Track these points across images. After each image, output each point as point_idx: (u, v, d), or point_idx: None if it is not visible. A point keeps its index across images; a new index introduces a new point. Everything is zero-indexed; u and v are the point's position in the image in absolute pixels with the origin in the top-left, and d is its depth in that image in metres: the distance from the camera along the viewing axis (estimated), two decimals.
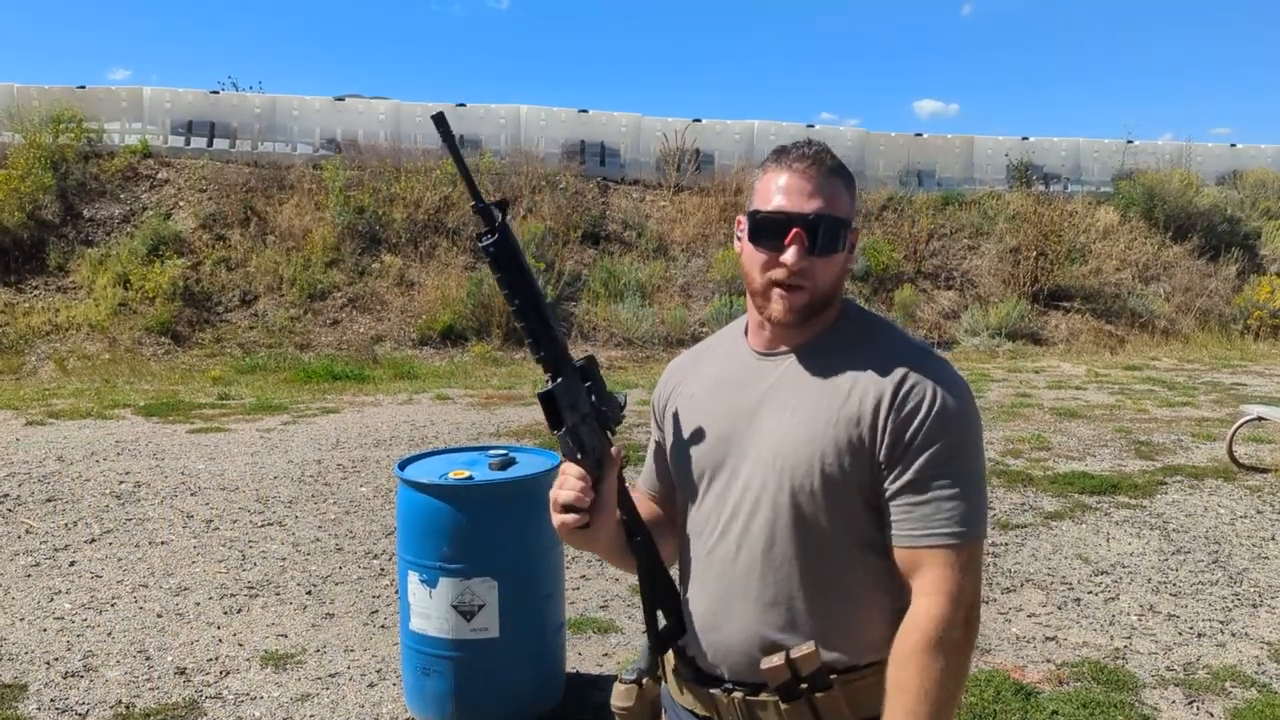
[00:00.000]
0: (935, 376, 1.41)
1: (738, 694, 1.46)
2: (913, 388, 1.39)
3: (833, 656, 1.42)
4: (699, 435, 1.53)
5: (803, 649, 1.40)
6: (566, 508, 1.43)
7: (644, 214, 15.69)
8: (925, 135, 18.43)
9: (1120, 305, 15.47)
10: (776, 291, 1.43)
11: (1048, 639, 4.20)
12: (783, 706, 1.42)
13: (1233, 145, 19.61)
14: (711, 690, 1.50)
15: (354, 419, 8.83)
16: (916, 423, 1.37)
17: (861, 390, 1.41)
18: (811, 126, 17.64)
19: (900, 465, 1.38)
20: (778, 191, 1.42)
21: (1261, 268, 16.82)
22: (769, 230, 1.42)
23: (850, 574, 1.43)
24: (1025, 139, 18.25)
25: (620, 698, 1.59)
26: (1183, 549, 5.38)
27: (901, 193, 16.88)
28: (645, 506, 1.65)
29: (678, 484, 1.59)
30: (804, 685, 1.40)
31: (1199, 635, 4.24)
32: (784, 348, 1.50)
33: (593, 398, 1.45)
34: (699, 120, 16.91)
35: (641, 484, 1.73)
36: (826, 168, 1.43)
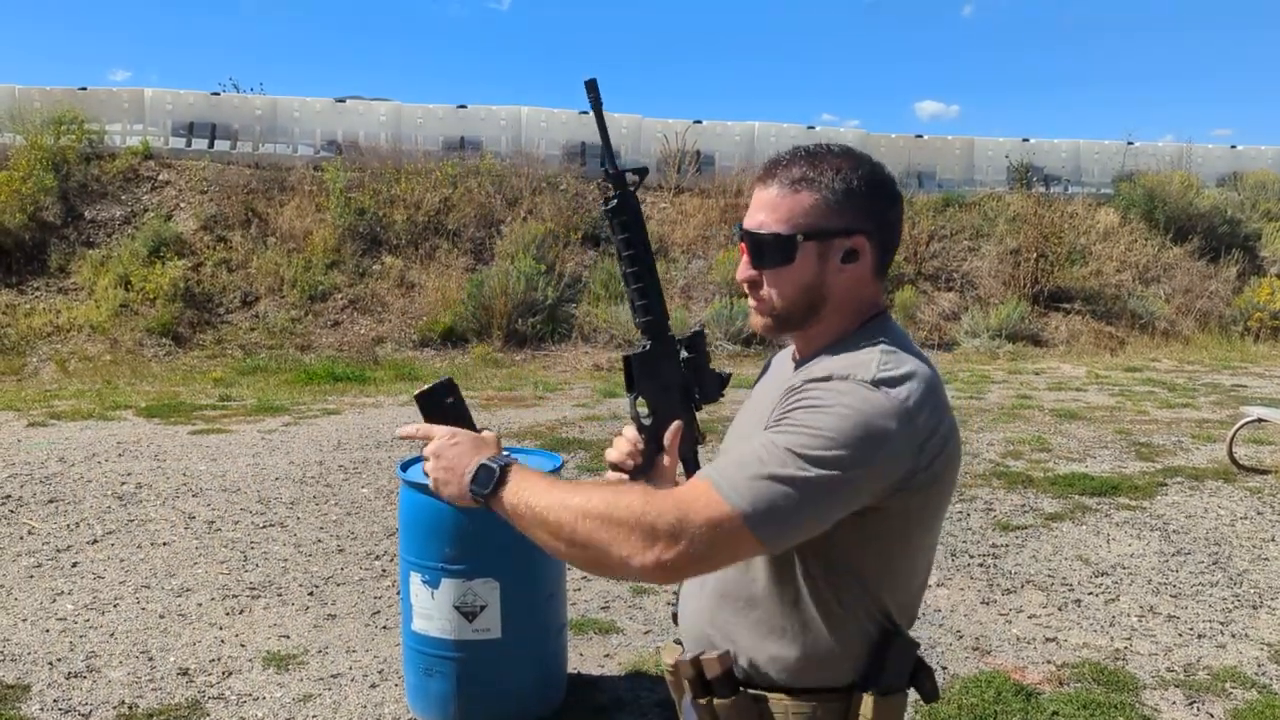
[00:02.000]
0: (841, 387, 1.29)
1: (686, 680, 1.49)
2: (812, 383, 1.31)
3: (754, 671, 1.40)
4: (733, 432, 1.59)
5: (712, 653, 1.41)
6: (613, 466, 1.51)
7: (644, 215, 15.69)
8: (925, 137, 18.46)
9: (1120, 307, 15.48)
10: (750, 300, 1.48)
11: (1048, 640, 4.21)
12: (699, 701, 1.44)
13: (1233, 147, 19.63)
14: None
15: (355, 420, 8.84)
16: (789, 404, 1.31)
17: (785, 390, 1.37)
18: (812, 128, 17.66)
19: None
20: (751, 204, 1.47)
21: (1262, 269, 16.83)
22: (738, 239, 1.47)
23: (779, 588, 1.38)
24: (1026, 140, 18.26)
25: (668, 654, 1.61)
26: (1183, 550, 5.38)
27: (901, 194, 16.88)
28: None
29: None
30: (710, 687, 1.41)
31: (1199, 636, 4.25)
32: (801, 356, 1.51)
33: (685, 369, 1.51)
34: (699, 122, 16.92)
35: None
36: (780, 180, 1.41)
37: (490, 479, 1.32)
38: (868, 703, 1.37)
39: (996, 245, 16.07)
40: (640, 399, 1.49)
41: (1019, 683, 3.75)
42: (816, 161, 1.41)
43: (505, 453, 1.40)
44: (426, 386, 1.45)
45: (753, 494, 1.22)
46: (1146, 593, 4.77)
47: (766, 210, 1.41)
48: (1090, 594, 4.74)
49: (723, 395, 1.55)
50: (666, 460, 1.51)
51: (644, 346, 1.49)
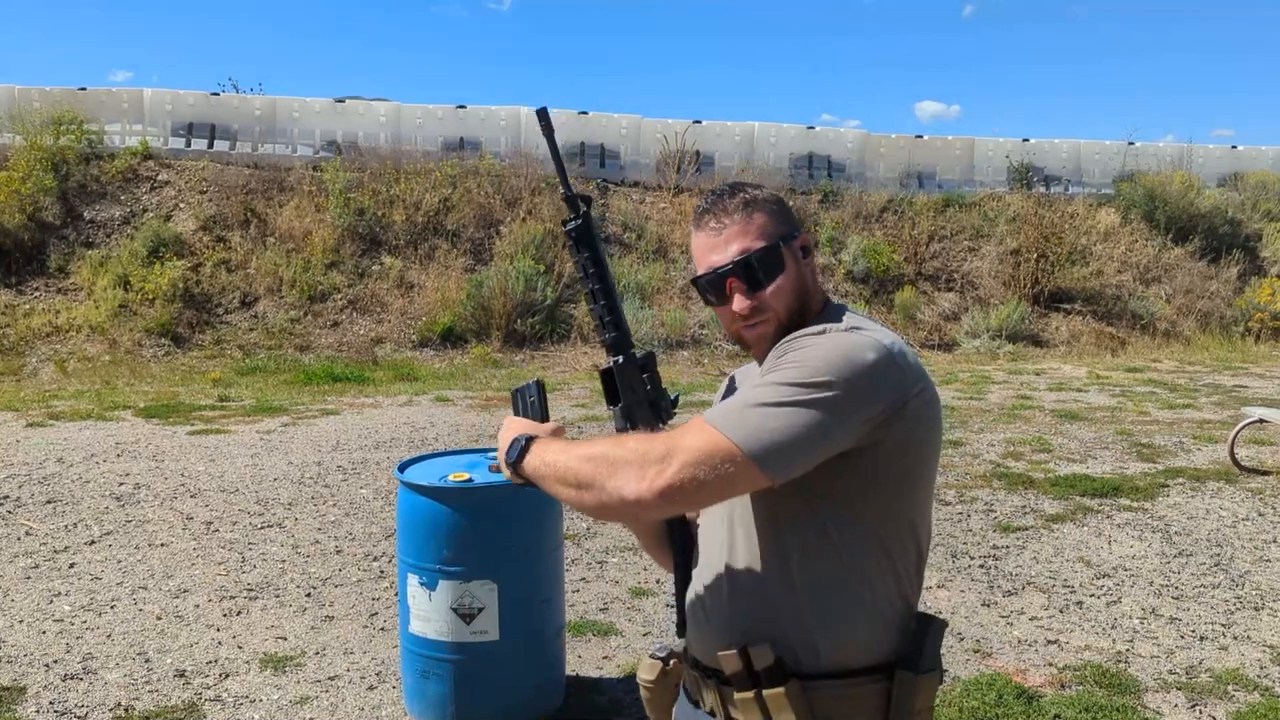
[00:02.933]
0: (816, 332, 1.42)
1: (711, 681, 1.50)
2: (789, 342, 1.42)
3: (797, 657, 1.42)
4: None
5: (760, 643, 1.42)
6: None
7: (644, 216, 15.69)
8: (925, 137, 18.44)
9: (1121, 307, 15.46)
10: (747, 334, 1.52)
11: (1049, 642, 4.19)
12: (737, 696, 1.43)
13: (1234, 147, 19.63)
14: (694, 674, 1.55)
15: (354, 421, 8.82)
16: (770, 362, 1.41)
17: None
18: (812, 129, 17.64)
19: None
20: (703, 252, 1.52)
21: (1262, 270, 16.82)
22: (710, 290, 1.53)
23: (805, 569, 1.42)
24: (1026, 141, 18.25)
25: (645, 670, 1.68)
26: (1185, 552, 5.36)
27: (902, 195, 16.88)
28: None
29: None
30: (758, 679, 1.41)
31: (1201, 638, 4.22)
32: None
33: (648, 387, 1.57)
34: (699, 122, 16.90)
35: None
36: (730, 209, 1.51)
37: (516, 449, 1.47)
38: (910, 682, 1.41)
39: (997, 246, 16.05)
40: (623, 411, 1.56)
41: (1020, 685, 3.73)
42: (735, 191, 1.54)
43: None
44: (519, 385, 1.65)
45: (745, 424, 1.30)
46: (1148, 594, 4.74)
47: (736, 240, 1.49)
48: (1092, 596, 4.72)
49: (675, 413, 1.60)
50: None
51: (616, 361, 1.55)
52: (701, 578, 1.54)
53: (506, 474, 1.50)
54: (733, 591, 1.47)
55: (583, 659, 4.00)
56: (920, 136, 18.35)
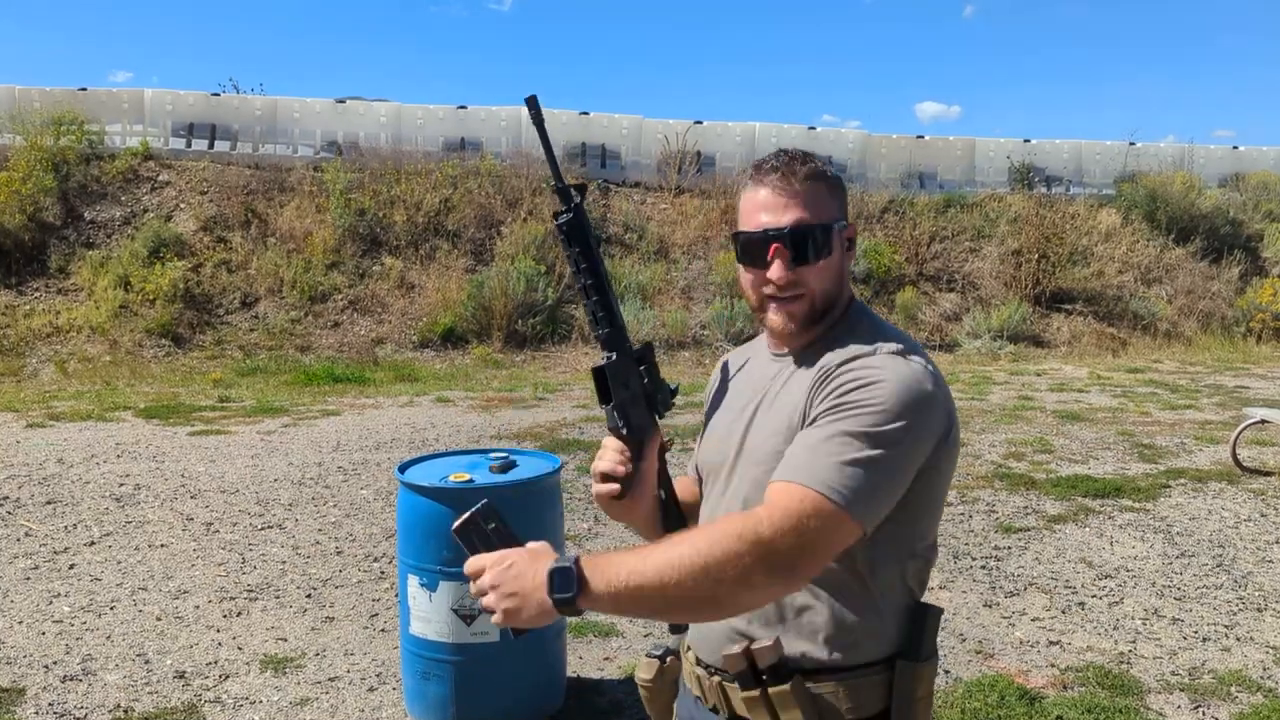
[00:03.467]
0: (878, 364, 1.38)
1: (715, 678, 1.50)
2: (847, 370, 1.38)
3: (799, 654, 1.42)
4: (714, 430, 1.61)
5: (764, 642, 1.41)
6: (604, 476, 1.51)
7: (645, 216, 15.67)
8: (927, 137, 18.43)
9: (1122, 308, 15.45)
10: (772, 305, 1.48)
11: (1051, 643, 4.17)
12: (741, 694, 1.43)
13: (1235, 147, 19.61)
14: (698, 672, 1.54)
15: (354, 421, 8.81)
16: (829, 389, 1.37)
17: (813, 379, 1.42)
18: (813, 129, 17.63)
19: (805, 426, 1.38)
20: (756, 209, 1.47)
21: (1264, 270, 16.80)
22: (752, 249, 1.47)
23: (827, 583, 1.41)
24: (1027, 141, 18.24)
25: (643, 670, 1.66)
26: (1187, 552, 5.35)
27: (903, 195, 16.86)
28: (689, 488, 1.71)
29: (699, 475, 1.66)
30: (763, 677, 1.41)
31: (1204, 639, 4.21)
32: (788, 349, 1.54)
33: (645, 380, 1.52)
34: (700, 122, 16.89)
35: (690, 466, 1.78)
36: (800, 175, 1.45)
37: (570, 580, 1.25)
38: (910, 671, 1.42)
39: (998, 246, 16.04)
40: (616, 408, 1.51)
41: (1022, 686, 3.72)
42: (806, 159, 1.47)
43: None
44: (463, 518, 1.36)
45: (844, 482, 1.28)
46: (1150, 595, 4.73)
47: (795, 208, 1.43)
48: (1094, 597, 4.71)
49: (673, 404, 1.57)
50: (644, 467, 1.53)
51: (609, 358, 1.50)
52: None
53: (545, 614, 1.27)
54: None
55: (584, 660, 3.99)
56: (921, 137, 18.35)
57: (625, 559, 1.26)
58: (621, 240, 15.17)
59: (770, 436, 1.44)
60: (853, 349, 1.42)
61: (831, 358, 1.42)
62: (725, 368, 1.69)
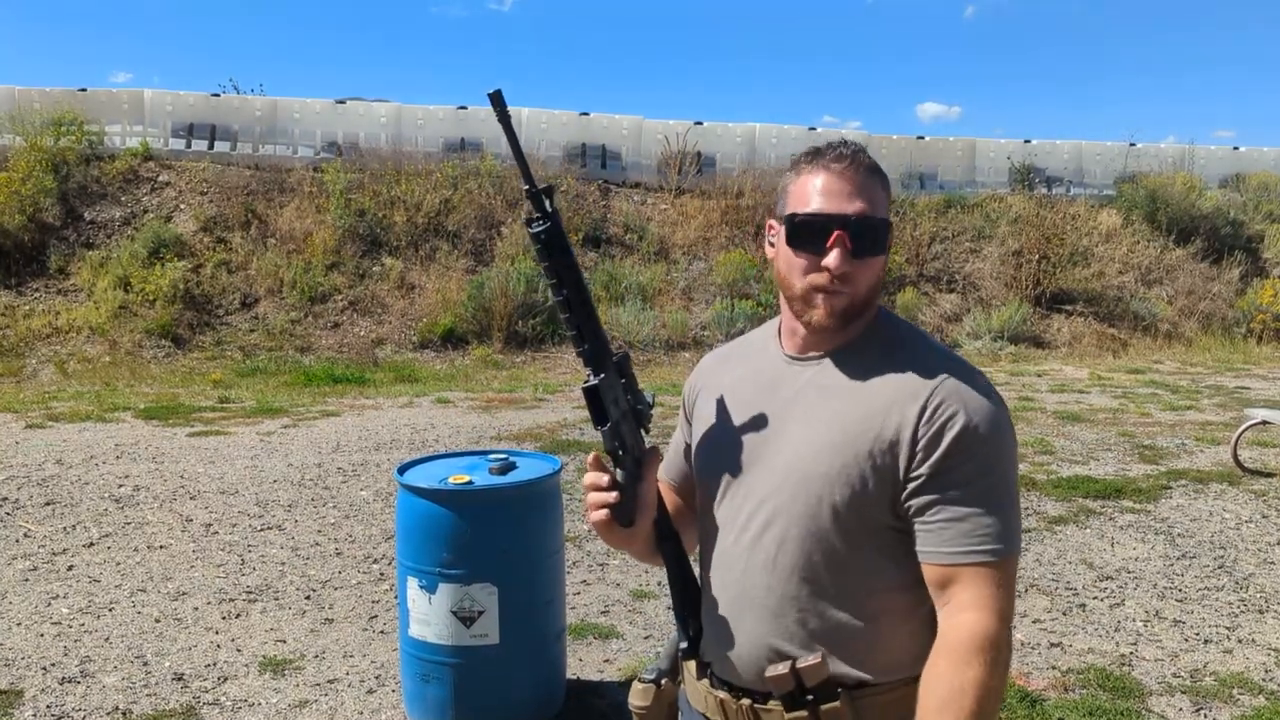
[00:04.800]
0: (968, 390, 1.37)
1: (745, 701, 1.45)
2: (944, 401, 1.35)
3: (843, 670, 1.39)
4: (722, 436, 1.52)
5: (810, 659, 1.37)
6: (601, 506, 1.45)
7: (645, 217, 15.66)
8: (927, 138, 18.42)
9: (1123, 308, 15.43)
10: (819, 296, 1.40)
11: (1052, 645, 4.16)
12: (787, 715, 1.39)
13: (1235, 148, 19.60)
14: (720, 695, 1.48)
15: (354, 422, 8.79)
16: (950, 438, 1.33)
17: (889, 403, 1.37)
18: (814, 129, 17.62)
19: (934, 481, 1.34)
20: (816, 193, 1.39)
21: (1264, 271, 16.78)
22: (808, 233, 1.39)
23: (867, 589, 1.40)
24: (1028, 142, 18.22)
25: (638, 696, 1.58)
26: (1188, 554, 5.34)
27: (903, 195, 16.85)
28: (667, 495, 1.64)
29: (698, 481, 1.57)
30: (809, 696, 1.38)
31: (1205, 641, 4.20)
32: (816, 351, 1.47)
33: (628, 395, 1.44)
34: (700, 123, 16.88)
35: (662, 472, 1.69)
36: (865, 167, 1.41)
37: None
38: None
39: (998, 247, 16.02)
40: (613, 429, 1.42)
41: (1023, 689, 3.71)
42: (867, 154, 1.43)
43: None
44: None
45: (1013, 531, 1.35)
46: (1152, 597, 4.72)
47: (863, 199, 1.38)
48: (1095, 598, 4.70)
49: (651, 416, 1.49)
50: (644, 488, 1.47)
51: (600, 376, 1.40)
52: (734, 596, 1.46)
53: None
54: (782, 611, 1.41)
55: (584, 662, 3.98)
56: (921, 138, 18.33)
57: None
58: (622, 241, 15.16)
59: (828, 452, 1.38)
60: (938, 372, 1.39)
61: (915, 382, 1.38)
62: (709, 370, 1.64)
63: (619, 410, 1.42)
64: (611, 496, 1.44)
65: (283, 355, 12.32)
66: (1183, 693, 3.72)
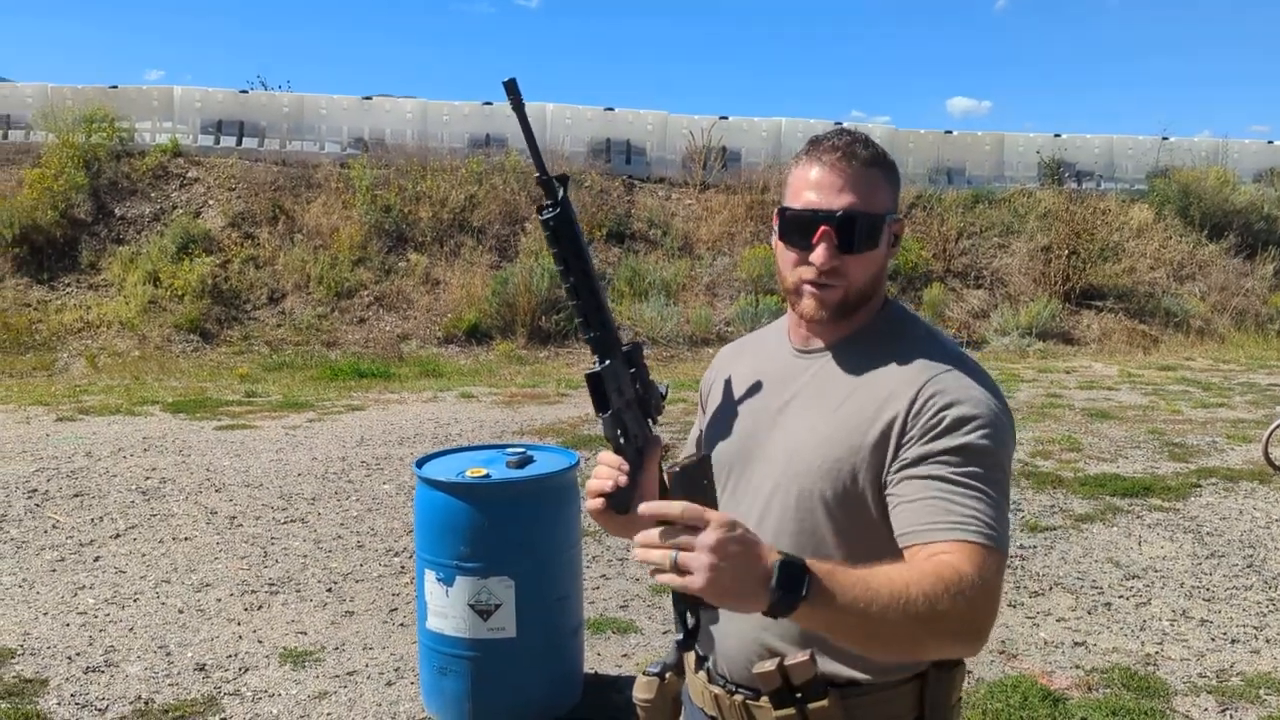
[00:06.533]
0: (968, 383, 1.35)
1: (738, 696, 1.44)
2: (939, 392, 1.33)
3: (834, 669, 1.37)
4: (727, 428, 1.52)
5: (797, 657, 1.35)
6: (599, 494, 1.44)
7: (670, 212, 15.63)
8: (955, 133, 18.25)
9: (1154, 305, 15.24)
10: (807, 289, 1.40)
11: (1077, 644, 4.11)
12: (775, 713, 1.37)
13: (1270, 142, 19.27)
14: (715, 690, 1.48)
15: (378, 416, 8.84)
16: (943, 424, 1.30)
17: (884, 397, 1.36)
18: (839, 124, 17.51)
19: (920, 464, 1.30)
20: (807, 187, 1.39)
21: None
22: (798, 228, 1.38)
23: None
24: (1057, 136, 18.01)
25: (641, 689, 1.58)
26: (1217, 553, 5.26)
27: (930, 191, 16.71)
28: None
29: None
30: (798, 694, 1.36)
31: (1232, 641, 4.13)
32: (819, 344, 1.47)
33: (637, 385, 1.43)
34: (726, 118, 16.81)
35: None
36: (860, 159, 1.38)
37: (800, 580, 1.12)
38: (943, 680, 1.41)
39: (1027, 242, 15.86)
40: (614, 417, 1.41)
41: (1046, 688, 3.66)
42: (869, 144, 1.40)
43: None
44: (683, 461, 1.25)
45: (1003, 529, 1.28)
46: (1179, 596, 4.65)
47: (851, 192, 1.36)
48: (1121, 597, 4.64)
49: (664, 407, 1.49)
50: (644, 478, 1.45)
51: (604, 363, 1.38)
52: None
53: (754, 603, 1.12)
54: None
55: (602, 657, 3.98)
56: (949, 132, 18.16)
57: (854, 578, 1.16)
58: (646, 236, 15.14)
59: (821, 446, 1.37)
60: (936, 366, 1.36)
61: (911, 376, 1.35)
62: (725, 361, 1.63)
63: (622, 399, 1.41)
64: (623, 479, 1.43)
65: (309, 350, 12.41)
66: (1208, 693, 3.66)
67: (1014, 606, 4.52)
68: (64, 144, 14.16)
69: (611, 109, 16.71)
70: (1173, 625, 4.31)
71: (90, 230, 13.82)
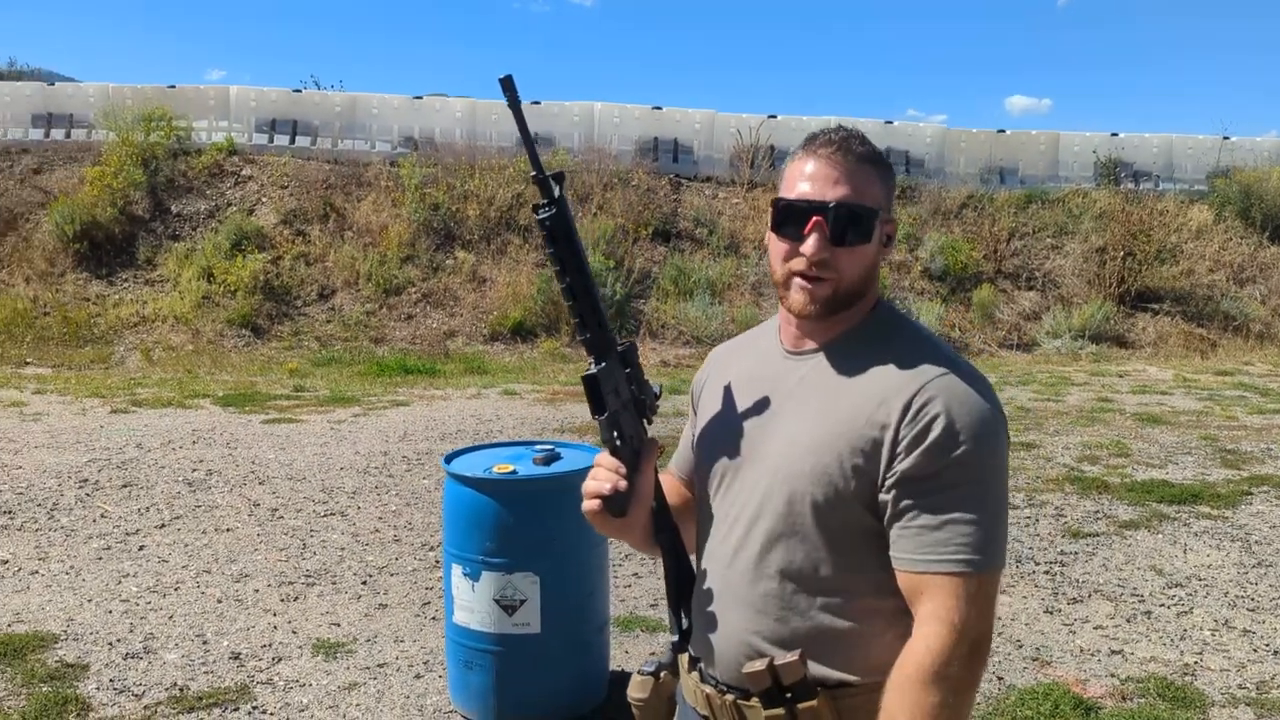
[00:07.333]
0: (961, 388, 1.33)
1: (729, 696, 1.43)
2: (932, 399, 1.31)
3: (823, 670, 1.36)
4: (718, 430, 1.51)
5: (787, 657, 1.34)
6: (596, 496, 1.43)
7: (716, 211, 15.59)
8: (1008, 132, 17.94)
9: (1213, 308, 14.87)
10: (797, 282, 1.39)
11: (1113, 653, 4.03)
12: (765, 713, 1.37)
13: None
14: (707, 690, 1.47)
15: (422, 412, 8.94)
16: (933, 437, 1.29)
17: (875, 401, 1.34)
18: (890, 123, 17.31)
19: (912, 483, 1.30)
20: (802, 179, 1.38)
21: None
22: (790, 219, 1.38)
23: (850, 591, 1.37)
24: (1114, 135, 17.63)
25: (636, 689, 1.58)
26: (1264, 562, 5.13)
27: (982, 190, 16.46)
28: (675, 488, 1.64)
29: (696, 475, 1.57)
30: (787, 695, 1.35)
31: (1275, 652, 4.03)
32: (811, 345, 1.45)
33: (632, 385, 1.43)
34: (774, 116, 16.71)
35: (673, 465, 1.70)
36: (855, 154, 1.38)
37: None
38: None
39: (1081, 243, 15.57)
40: (610, 419, 1.41)
41: (1078, 696, 3.60)
42: (864, 141, 1.42)
43: None
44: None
45: (997, 544, 1.30)
46: (1222, 605, 4.54)
47: (845, 185, 1.36)
48: (1161, 605, 4.54)
49: (657, 408, 1.49)
50: (641, 480, 1.45)
51: (600, 365, 1.39)
52: (721, 590, 1.45)
53: None
54: (764, 608, 1.39)
55: (629, 654, 3.99)
56: (1002, 131, 17.86)
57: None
58: (692, 235, 15.11)
59: (812, 450, 1.36)
60: (928, 371, 1.34)
61: (903, 382, 1.34)
62: (718, 362, 1.63)
63: (619, 400, 1.41)
64: (622, 483, 1.42)
65: (357, 346, 12.58)
66: (1247, 704, 3.57)
67: (1051, 613, 4.44)
68: (123, 142, 14.51)
69: (659, 108, 16.70)
70: (1214, 635, 4.21)
71: (147, 227, 14.14)
